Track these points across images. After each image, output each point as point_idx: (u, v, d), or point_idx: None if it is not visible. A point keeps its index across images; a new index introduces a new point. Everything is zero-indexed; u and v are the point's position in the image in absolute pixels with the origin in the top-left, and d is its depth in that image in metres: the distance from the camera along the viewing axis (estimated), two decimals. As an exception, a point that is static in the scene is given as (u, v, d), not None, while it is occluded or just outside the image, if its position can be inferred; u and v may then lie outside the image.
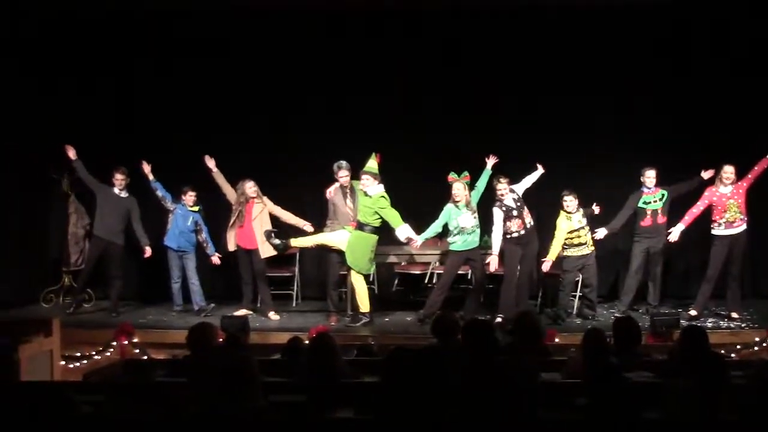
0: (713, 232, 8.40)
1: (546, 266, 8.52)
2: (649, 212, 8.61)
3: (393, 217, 8.24)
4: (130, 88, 9.97)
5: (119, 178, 9.02)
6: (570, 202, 8.47)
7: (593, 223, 8.61)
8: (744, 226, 8.36)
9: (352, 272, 8.40)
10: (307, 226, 8.85)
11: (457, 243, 8.38)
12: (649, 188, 8.65)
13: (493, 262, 8.40)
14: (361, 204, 8.39)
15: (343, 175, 8.58)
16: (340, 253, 8.50)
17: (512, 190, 8.48)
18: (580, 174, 9.31)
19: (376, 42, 9.77)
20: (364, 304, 8.43)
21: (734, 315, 8.43)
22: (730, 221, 8.31)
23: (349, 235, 8.35)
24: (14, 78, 9.48)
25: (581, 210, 8.54)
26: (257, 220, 8.83)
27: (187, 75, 9.90)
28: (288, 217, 8.95)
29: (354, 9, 9.51)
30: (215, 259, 9.23)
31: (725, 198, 8.32)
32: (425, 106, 9.83)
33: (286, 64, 9.84)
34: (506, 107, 9.76)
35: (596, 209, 8.62)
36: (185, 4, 9.50)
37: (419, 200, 9.18)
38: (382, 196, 8.24)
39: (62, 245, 9.77)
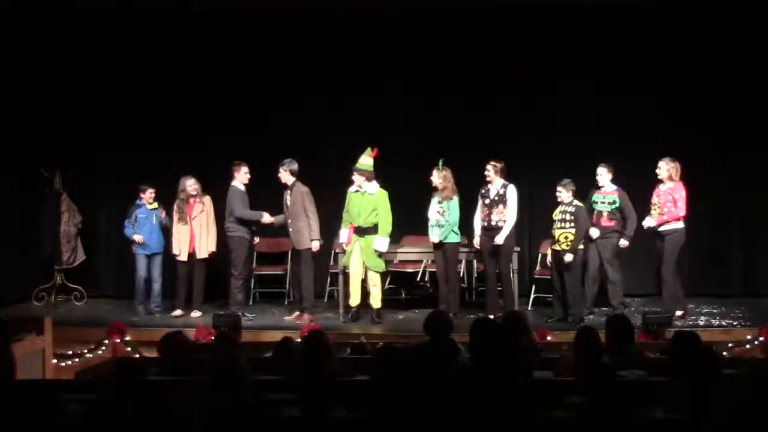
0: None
1: (568, 257, 8.01)
2: (595, 212, 8.28)
3: (386, 222, 8.19)
4: (116, 87, 9.93)
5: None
6: (562, 192, 8.13)
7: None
8: (664, 227, 8.05)
9: (370, 273, 8.33)
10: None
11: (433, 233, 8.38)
12: (600, 187, 8.33)
13: (499, 239, 8.17)
14: (357, 206, 8.23)
15: (282, 171, 8.34)
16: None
17: (505, 185, 8.29)
18: (580, 173, 9.27)
19: (374, 42, 9.75)
20: (377, 302, 8.43)
21: (678, 313, 8.13)
22: (652, 216, 8.15)
23: (356, 247, 8.28)
24: (7, 76, 9.44)
25: (575, 206, 8.23)
26: (197, 219, 8.76)
27: (178, 73, 9.89)
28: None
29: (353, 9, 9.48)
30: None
31: (656, 195, 8.18)
32: (425, 106, 9.80)
33: (285, 64, 9.80)
34: (505, 107, 9.74)
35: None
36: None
37: (416, 199, 9.14)
38: (386, 193, 8.21)
39: (54, 243, 9.74)
